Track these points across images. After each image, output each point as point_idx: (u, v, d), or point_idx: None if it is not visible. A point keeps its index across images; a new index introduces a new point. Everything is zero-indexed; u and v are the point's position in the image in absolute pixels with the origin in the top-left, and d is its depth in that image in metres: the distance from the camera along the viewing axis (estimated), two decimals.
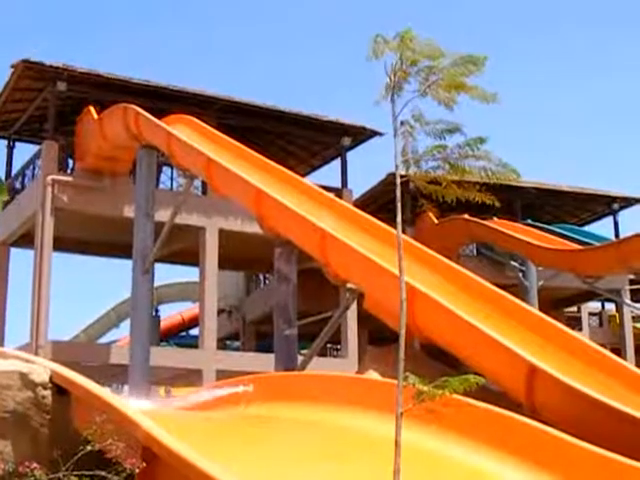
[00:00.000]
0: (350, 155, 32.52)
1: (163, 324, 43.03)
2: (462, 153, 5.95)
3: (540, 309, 23.49)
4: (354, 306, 23.41)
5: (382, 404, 10.72)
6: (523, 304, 16.40)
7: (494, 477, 9.52)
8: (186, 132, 23.94)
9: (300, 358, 20.06)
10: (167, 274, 61.96)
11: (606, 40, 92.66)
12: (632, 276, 36.62)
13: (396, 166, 6.17)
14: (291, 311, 19.65)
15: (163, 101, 27.91)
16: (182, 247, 29.82)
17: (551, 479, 9.28)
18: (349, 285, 17.92)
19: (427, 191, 6.12)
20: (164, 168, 29.31)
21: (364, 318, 26.25)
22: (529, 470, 9.47)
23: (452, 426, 9.90)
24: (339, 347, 33.54)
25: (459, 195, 6.12)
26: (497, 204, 6.45)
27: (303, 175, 29.67)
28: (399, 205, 6.23)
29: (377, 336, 28.75)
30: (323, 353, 33.10)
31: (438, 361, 16.30)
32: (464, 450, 9.92)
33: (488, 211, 34.01)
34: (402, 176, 6.47)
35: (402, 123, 6.00)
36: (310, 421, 12.12)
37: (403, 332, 6.18)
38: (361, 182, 37.58)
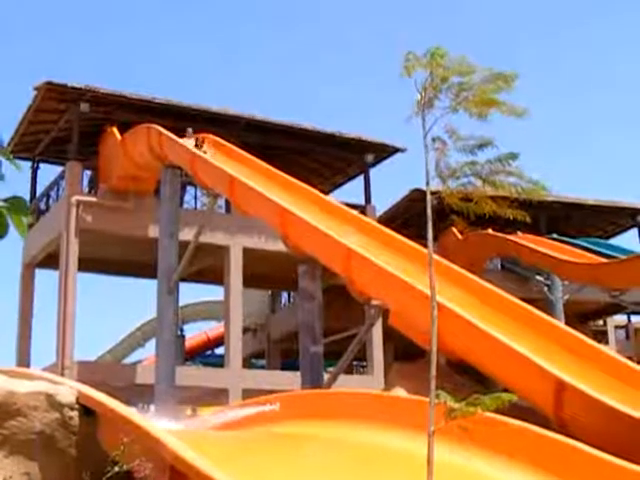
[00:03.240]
0: (372, 172, 32.55)
1: (188, 343, 43.03)
2: (494, 169, 5.90)
3: (566, 323, 23.34)
4: (379, 322, 23.32)
5: (410, 422, 10.65)
6: (550, 318, 16.29)
7: None
8: (209, 151, 23.98)
9: (326, 376, 19.99)
10: (192, 293, 61.98)
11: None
12: None
13: (427, 182, 6.12)
14: (316, 329, 19.60)
15: (186, 120, 27.98)
16: (207, 266, 29.87)
17: None
18: (374, 302, 17.84)
19: (459, 208, 6.07)
20: (188, 187, 29.38)
21: (390, 334, 26.16)
22: None
23: (483, 443, 9.82)
24: (365, 364, 33.43)
25: (492, 211, 6.05)
26: (528, 220, 6.39)
27: (326, 192, 29.67)
28: (430, 222, 6.18)
29: (403, 352, 28.63)
30: (349, 370, 32.95)
31: (464, 376, 16.20)
32: (495, 467, 9.83)
33: (512, 225, 33.87)
34: (431, 192, 6.42)
35: (434, 139, 5.96)
36: (337, 439, 12.05)
37: (435, 349, 6.11)
38: (383, 198, 37.48)
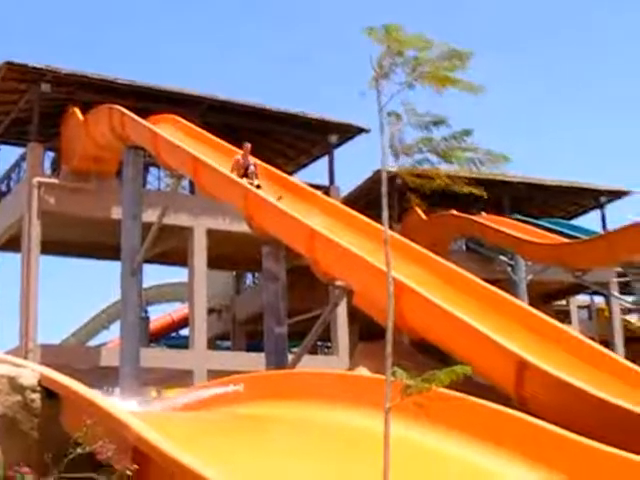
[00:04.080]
0: (339, 152, 32.56)
1: (153, 325, 42.92)
2: (449, 145, 5.92)
3: (529, 303, 23.50)
4: (344, 303, 23.38)
5: (372, 400, 10.69)
6: (513, 299, 16.41)
7: (487, 471, 9.51)
8: (172, 132, 23.87)
9: (291, 356, 20.03)
10: (156, 275, 61.73)
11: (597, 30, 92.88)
12: (620, 269, 36.70)
13: (382, 158, 6.13)
14: (281, 310, 19.61)
15: (148, 101, 27.81)
16: (171, 247, 29.76)
17: (544, 472, 9.27)
18: (338, 282, 17.89)
19: (415, 184, 6.08)
20: (151, 168, 29.23)
21: (355, 315, 26.23)
22: (522, 463, 9.46)
23: (443, 420, 9.90)
24: (330, 345, 33.52)
25: (447, 186, 6.07)
26: (484, 195, 6.41)
27: (290, 173, 29.65)
28: (385, 200, 6.20)
29: (368, 332, 28.73)
30: (314, 351, 33.02)
31: (427, 356, 16.29)
32: (456, 444, 9.91)
33: (476, 206, 34.04)
34: (390, 172, 6.43)
35: (389, 114, 5.96)
36: (302, 419, 12.09)
37: (391, 326, 6.16)
38: (349, 179, 37.50)
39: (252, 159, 21.08)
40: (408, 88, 5.92)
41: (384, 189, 6.12)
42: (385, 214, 6.19)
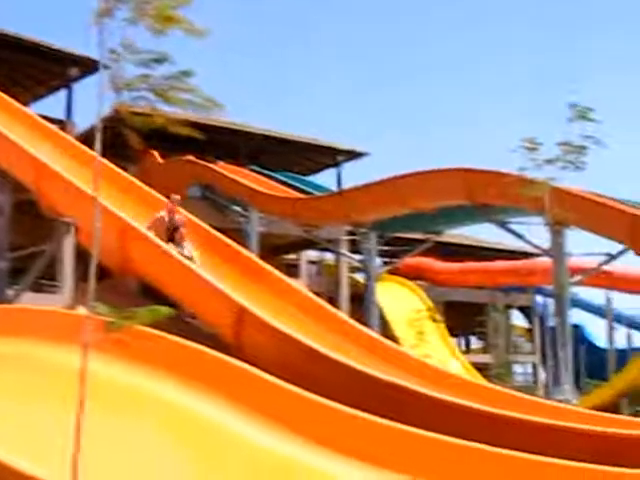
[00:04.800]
0: (83, 87, 31.71)
1: None
2: (168, 85, 5.91)
3: (261, 255, 23.79)
4: (73, 242, 22.95)
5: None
6: (241, 249, 16.63)
7: (183, 407, 9.71)
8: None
9: (12, 293, 19.54)
10: None
11: None
12: (350, 227, 37.68)
13: (99, 96, 6.07)
14: (3, 244, 19.05)
15: None
16: None
17: (240, 410, 9.56)
18: (64, 218, 17.55)
19: (133, 123, 6.06)
20: None
21: (83, 254, 25.80)
22: (220, 402, 9.70)
23: (144, 358, 10.01)
24: (57, 284, 32.77)
25: (164, 126, 6.06)
26: (200, 138, 6.47)
27: (26, 104, 28.64)
28: (99, 135, 6.18)
29: (97, 272, 28.17)
30: (38, 289, 32.21)
31: (155, 301, 16.30)
32: (153, 380, 10.05)
33: (214, 153, 34.06)
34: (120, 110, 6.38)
35: (111, 51, 5.90)
36: (15, 355, 11.87)
37: (95, 261, 6.17)
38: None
39: (180, 215, 16.31)
40: (130, 25, 5.86)
41: (99, 125, 6.10)
42: (98, 147, 6.18)
